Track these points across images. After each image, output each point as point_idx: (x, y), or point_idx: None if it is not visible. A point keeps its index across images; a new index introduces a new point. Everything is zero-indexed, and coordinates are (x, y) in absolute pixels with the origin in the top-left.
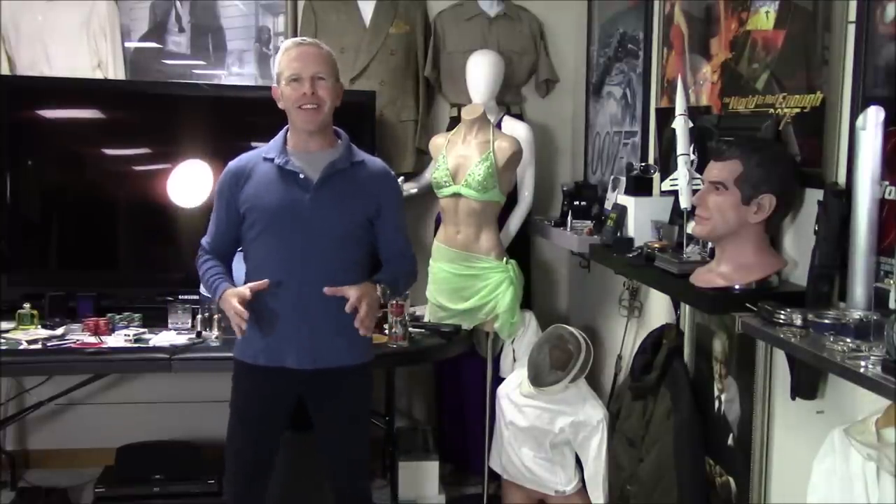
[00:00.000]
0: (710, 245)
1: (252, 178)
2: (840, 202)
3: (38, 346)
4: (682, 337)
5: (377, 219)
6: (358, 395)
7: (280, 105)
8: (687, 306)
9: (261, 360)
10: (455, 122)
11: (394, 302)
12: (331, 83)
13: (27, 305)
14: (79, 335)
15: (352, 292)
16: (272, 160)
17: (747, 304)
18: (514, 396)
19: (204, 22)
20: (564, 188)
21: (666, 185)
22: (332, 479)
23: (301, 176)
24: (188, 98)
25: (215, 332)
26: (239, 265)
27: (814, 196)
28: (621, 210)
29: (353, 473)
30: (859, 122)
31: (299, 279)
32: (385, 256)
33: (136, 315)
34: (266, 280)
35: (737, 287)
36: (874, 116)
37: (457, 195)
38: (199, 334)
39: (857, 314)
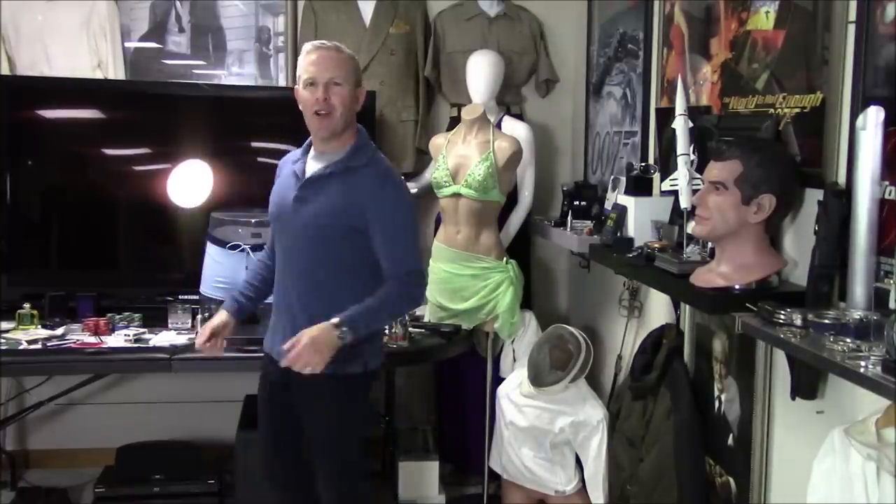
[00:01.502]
0: (710, 245)
1: (278, 178)
2: (840, 202)
3: (38, 346)
4: (682, 337)
5: (368, 230)
6: (332, 404)
7: (301, 107)
8: (687, 306)
9: (265, 346)
10: (455, 122)
11: None
12: (347, 89)
13: (27, 305)
14: (79, 335)
15: (304, 337)
16: (296, 161)
17: (747, 304)
18: (514, 396)
19: (204, 22)
20: (564, 188)
21: (666, 185)
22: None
23: (298, 177)
24: (188, 98)
25: None
26: (238, 266)
27: (814, 196)
28: (621, 210)
29: (335, 479)
30: (859, 122)
31: (284, 277)
32: (383, 272)
33: (136, 315)
34: (219, 322)
35: (737, 287)
36: (874, 116)
37: (457, 195)
38: None
39: (857, 314)
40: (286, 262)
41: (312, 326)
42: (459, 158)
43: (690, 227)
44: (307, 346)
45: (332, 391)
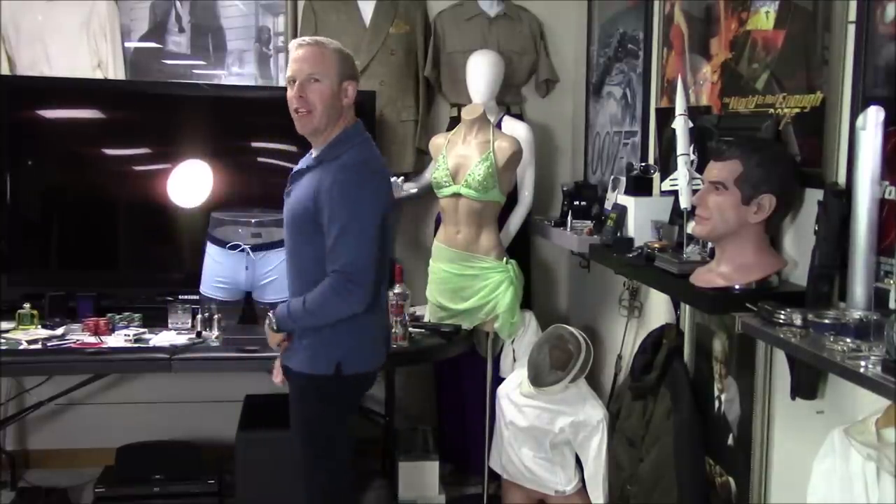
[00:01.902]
0: (710, 245)
1: None
2: (840, 202)
3: (38, 346)
4: (682, 337)
5: (324, 225)
6: (298, 400)
7: None
8: (687, 306)
9: None
10: (455, 122)
11: (393, 302)
12: (328, 83)
13: (27, 305)
14: (79, 335)
15: None
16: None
17: (747, 304)
18: (514, 396)
19: (204, 22)
20: (564, 188)
21: (666, 185)
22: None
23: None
24: (188, 98)
25: (215, 332)
26: (238, 266)
27: (814, 196)
28: (621, 210)
29: (310, 474)
30: (859, 122)
31: (286, 268)
32: None
33: (136, 315)
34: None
35: (737, 287)
36: (874, 116)
37: (457, 195)
38: (199, 334)
39: (857, 314)
40: (286, 255)
41: None
42: (459, 158)
43: (690, 227)
44: None
45: (302, 389)
